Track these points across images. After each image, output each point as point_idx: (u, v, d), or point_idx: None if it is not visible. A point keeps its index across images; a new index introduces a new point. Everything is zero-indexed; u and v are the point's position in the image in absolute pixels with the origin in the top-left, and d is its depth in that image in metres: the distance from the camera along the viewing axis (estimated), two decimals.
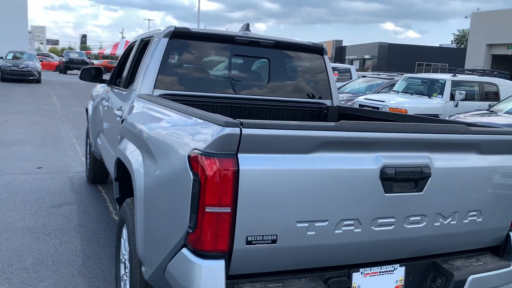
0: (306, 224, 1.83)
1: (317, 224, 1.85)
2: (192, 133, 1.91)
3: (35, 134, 9.02)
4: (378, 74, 16.89)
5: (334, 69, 15.76)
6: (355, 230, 1.93)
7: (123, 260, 2.76)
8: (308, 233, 1.84)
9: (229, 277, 1.81)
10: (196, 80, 3.43)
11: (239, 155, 1.70)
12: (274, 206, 1.76)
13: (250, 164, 1.71)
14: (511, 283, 2.43)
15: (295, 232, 1.82)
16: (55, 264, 3.54)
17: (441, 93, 10.03)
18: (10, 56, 23.07)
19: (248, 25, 3.67)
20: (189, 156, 1.77)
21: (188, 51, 3.42)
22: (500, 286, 2.40)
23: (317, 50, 3.75)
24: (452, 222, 2.16)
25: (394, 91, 11.22)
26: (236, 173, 1.68)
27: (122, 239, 2.80)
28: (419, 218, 2.06)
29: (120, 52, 51.54)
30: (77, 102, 15.26)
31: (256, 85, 3.64)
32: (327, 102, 3.83)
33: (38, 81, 22.69)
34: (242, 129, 1.67)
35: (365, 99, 10.54)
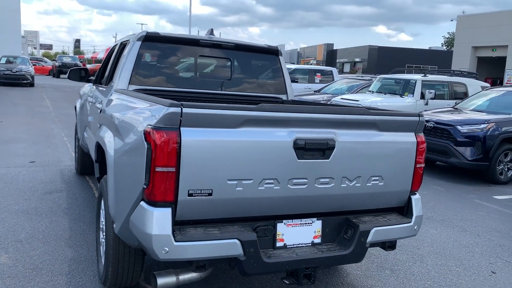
0: (235, 182, 2.41)
1: (243, 182, 2.43)
2: (147, 113, 2.48)
3: (28, 133, 9.54)
4: (362, 76, 17.55)
5: (317, 71, 16.39)
6: (275, 187, 2.51)
7: (101, 226, 3.31)
8: (237, 188, 2.42)
9: (176, 222, 2.39)
10: (166, 77, 4.01)
11: (181, 128, 2.28)
12: (209, 167, 2.34)
13: (190, 136, 2.29)
14: (410, 236, 3.01)
15: (226, 188, 2.40)
16: (45, 237, 4.09)
17: (412, 92, 10.66)
18: (3, 61, 23.55)
19: (212, 30, 4.26)
20: (144, 131, 2.35)
21: (159, 52, 4.01)
22: (401, 238, 2.99)
23: (272, 51, 4.35)
24: (357, 185, 2.74)
25: (370, 91, 11.85)
26: (179, 142, 2.26)
27: (100, 210, 3.36)
28: (327, 180, 2.64)
29: None
30: (69, 104, 15.75)
31: (219, 82, 4.23)
32: (283, 96, 4.42)
33: (31, 84, 23.16)
34: (183, 108, 2.25)
35: (341, 98, 11.16)
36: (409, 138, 2.89)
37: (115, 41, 5.53)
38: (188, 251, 2.33)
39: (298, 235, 2.72)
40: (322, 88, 14.48)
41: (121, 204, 2.67)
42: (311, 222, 2.75)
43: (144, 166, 2.31)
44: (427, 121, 8.42)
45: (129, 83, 3.80)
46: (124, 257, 2.90)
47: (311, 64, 62.32)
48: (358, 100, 10.38)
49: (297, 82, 15.29)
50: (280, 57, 4.39)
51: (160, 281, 2.53)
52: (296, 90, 14.93)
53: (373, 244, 2.86)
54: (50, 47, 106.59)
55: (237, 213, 2.52)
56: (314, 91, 14.52)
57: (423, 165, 2.99)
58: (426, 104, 10.46)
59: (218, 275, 3.55)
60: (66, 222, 4.50)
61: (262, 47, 4.34)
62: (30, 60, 30.04)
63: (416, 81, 10.73)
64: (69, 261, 3.65)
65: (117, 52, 4.36)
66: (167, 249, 2.29)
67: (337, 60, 58.21)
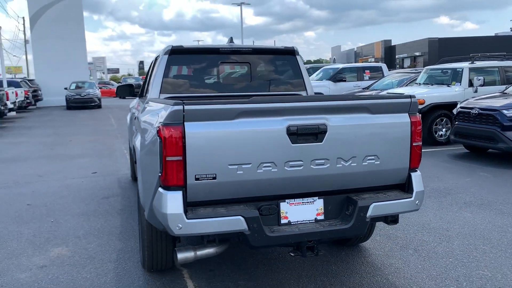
0: (236, 166, 2.77)
1: (243, 166, 2.78)
2: (160, 114, 2.92)
3: (93, 149, 10.50)
4: (416, 70, 17.23)
5: (365, 68, 16.34)
6: (272, 170, 2.83)
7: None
8: (238, 172, 2.77)
9: (189, 204, 2.79)
10: (193, 84, 4.47)
11: (185, 123, 2.68)
12: (211, 155, 2.72)
13: (193, 128, 2.68)
14: (413, 211, 3.20)
15: (228, 172, 2.76)
16: (100, 233, 4.67)
17: (460, 81, 10.44)
18: (73, 86, 25.64)
19: (231, 38, 4.67)
20: (157, 127, 2.78)
21: (185, 62, 4.48)
22: (403, 212, 3.19)
23: (288, 52, 4.67)
24: (353, 164, 3.00)
25: (417, 83, 11.72)
26: (184, 134, 2.66)
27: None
28: (323, 161, 2.92)
29: None
30: None
31: (242, 85, 4.62)
32: (303, 93, 4.72)
33: (99, 106, 24.98)
34: (185, 106, 2.65)
35: (387, 93, 11.14)
36: (403, 119, 3.10)
37: None
38: (198, 227, 2.71)
39: (301, 212, 3.02)
40: (372, 85, 14.44)
41: (147, 192, 3.12)
42: (313, 200, 3.04)
43: (158, 157, 2.74)
44: (471, 108, 8.30)
45: (160, 92, 4.29)
46: (156, 241, 3.35)
47: (370, 62, 61.35)
48: (403, 93, 10.35)
49: (344, 81, 15.35)
50: (297, 56, 4.70)
51: (180, 255, 2.94)
52: (345, 88, 15.04)
53: (375, 219, 3.09)
54: (117, 70, 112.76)
55: (241, 194, 2.87)
56: (363, 88, 14.51)
57: (420, 143, 3.17)
58: (476, 91, 10.19)
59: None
60: (118, 221, 5.07)
61: (278, 49, 4.68)
62: (98, 84, 32.29)
63: (463, 69, 10.50)
64: (118, 251, 4.17)
65: (151, 66, 4.89)
66: (180, 225, 2.69)
67: (396, 56, 56.77)
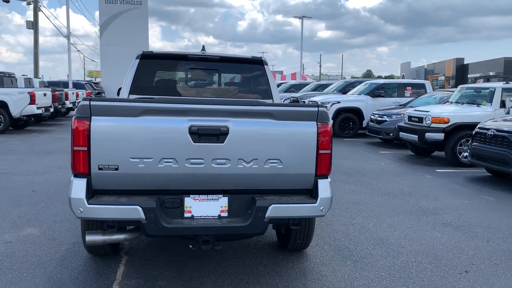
0: (137, 160, 3.03)
1: (144, 160, 3.04)
2: None
3: None
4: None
5: (407, 85, 15.97)
6: (173, 166, 3.06)
7: None
8: (139, 165, 3.04)
9: (97, 191, 3.09)
10: (161, 87, 4.81)
11: (92, 117, 2.99)
12: (114, 147, 3.01)
13: (98, 122, 2.99)
14: (318, 216, 3.27)
15: (130, 164, 3.03)
16: (75, 220, 5.10)
17: (491, 101, 9.99)
18: None
19: (203, 46, 4.97)
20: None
21: (155, 67, 4.83)
22: (306, 216, 3.27)
23: (256, 61, 4.88)
24: (254, 166, 3.15)
25: (449, 102, 11.33)
26: (89, 127, 2.98)
27: None
28: (224, 161, 3.11)
29: None
30: None
31: (208, 90, 4.89)
32: (269, 101, 4.89)
33: None
34: (91, 102, 2.97)
35: (414, 110, 10.90)
36: (309, 127, 3.21)
37: None
38: (98, 212, 3.00)
39: (205, 208, 3.21)
40: (410, 101, 14.10)
41: None
42: (217, 198, 3.23)
43: (70, 146, 3.08)
44: (487, 129, 7.95)
45: (129, 93, 4.67)
46: (86, 226, 3.62)
47: (439, 80, 58.98)
48: (428, 111, 10.08)
49: (383, 96, 15.09)
50: (265, 66, 4.89)
51: (88, 238, 3.24)
52: (383, 104, 14.78)
53: (275, 220, 3.22)
54: None
55: (145, 186, 3.13)
56: (400, 105, 14.20)
57: (328, 151, 3.26)
58: (508, 112, 9.69)
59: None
60: None
61: (246, 58, 4.90)
62: None
63: (495, 89, 10.02)
64: (80, 235, 4.57)
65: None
66: (82, 209, 3.00)
67: (469, 76, 54.32)
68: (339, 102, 15.12)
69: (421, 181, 7.97)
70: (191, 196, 3.20)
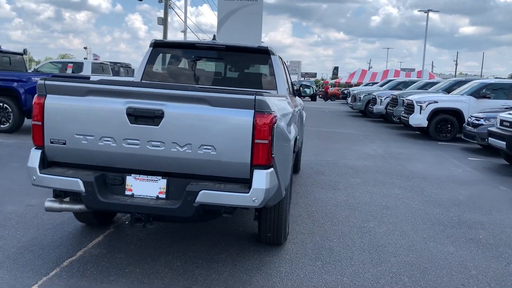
0: (81, 137, 3.27)
1: (87, 137, 3.26)
2: None
3: None
4: None
5: None
6: (112, 144, 3.24)
7: None
8: (82, 142, 3.27)
9: (53, 163, 3.41)
10: (169, 74, 5.02)
11: (47, 95, 3.31)
12: (63, 123, 3.29)
13: (51, 100, 3.29)
14: (251, 207, 3.18)
15: (75, 140, 3.28)
16: None
17: None
18: None
19: (214, 36, 5.06)
20: None
21: (165, 55, 5.06)
22: (237, 205, 3.19)
23: (262, 51, 4.81)
24: (188, 151, 3.17)
25: None
26: (43, 104, 3.29)
27: None
28: (158, 143, 3.19)
29: (354, 81, 54.44)
30: None
31: (214, 79, 4.97)
32: (273, 92, 4.80)
33: None
34: (46, 81, 3.28)
35: (509, 113, 9.65)
36: (246, 115, 3.12)
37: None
38: (46, 181, 3.32)
39: (145, 188, 3.34)
40: None
41: None
42: (156, 179, 3.33)
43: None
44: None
45: (141, 79, 4.98)
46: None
47: None
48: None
49: (489, 98, 13.53)
50: (271, 56, 4.80)
51: (47, 204, 3.57)
52: (488, 106, 13.29)
53: (208, 206, 3.20)
54: (314, 75, 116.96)
55: (91, 162, 3.36)
56: (505, 108, 12.62)
57: (264, 141, 3.14)
58: None
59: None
60: None
61: (252, 48, 4.86)
62: None
63: None
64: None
65: None
66: (34, 177, 3.34)
67: None
68: (436, 102, 13.96)
69: (488, 192, 7.07)
70: (132, 175, 3.35)
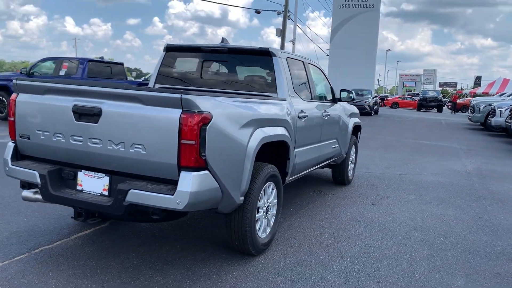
0: (40, 132, 3.49)
1: (45, 133, 3.47)
2: None
3: None
4: None
5: None
6: (62, 140, 3.39)
7: None
8: (41, 137, 3.49)
9: (27, 156, 3.70)
10: (179, 78, 5.09)
11: (19, 94, 3.61)
12: (27, 120, 3.54)
13: (21, 98, 3.58)
14: (176, 209, 3.03)
15: (36, 135, 3.51)
16: None
17: None
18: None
19: (223, 39, 4.98)
20: None
21: (175, 59, 5.13)
22: (163, 207, 3.07)
23: (263, 52, 4.60)
24: (121, 149, 3.18)
25: None
26: (15, 101, 3.60)
27: None
28: (97, 140, 3.25)
29: (493, 91, 49.05)
30: (374, 134, 17.21)
31: (218, 82, 4.90)
32: (274, 95, 4.56)
33: (368, 113, 25.91)
34: (17, 81, 3.58)
35: None
36: (173, 114, 3.02)
37: None
38: (15, 172, 3.60)
39: (92, 184, 3.42)
40: None
41: None
42: (101, 176, 3.39)
43: None
44: None
45: (155, 83, 5.15)
46: None
47: None
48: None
49: None
50: (273, 58, 4.57)
51: (23, 193, 3.84)
52: None
53: (136, 206, 3.16)
54: (454, 84, 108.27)
55: (51, 156, 3.55)
56: None
57: (191, 142, 2.99)
58: None
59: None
60: None
61: (253, 49, 4.68)
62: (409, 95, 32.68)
63: None
64: None
65: None
66: (7, 168, 3.66)
67: None
68: None
69: None
70: (82, 171, 3.46)
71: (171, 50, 5.12)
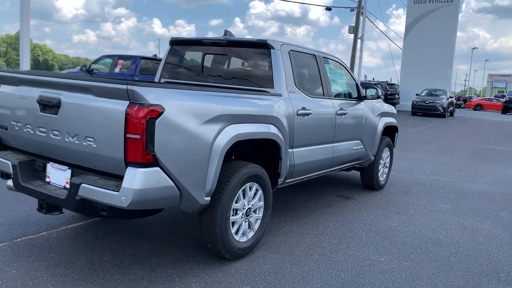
0: (14, 123, 3.51)
1: (18, 123, 3.49)
2: None
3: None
4: None
5: None
6: (30, 131, 3.38)
7: None
8: (15, 127, 3.51)
9: (7, 147, 3.77)
10: (181, 72, 4.95)
11: (1, 85, 3.67)
12: (5, 110, 3.59)
13: (2, 89, 3.64)
14: (120, 207, 2.87)
15: (12, 126, 3.54)
16: None
17: None
18: (424, 93, 25.86)
19: (225, 31, 4.75)
20: None
21: (180, 53, 4.99)
22: (109, 204, 2.93)
23: (261, 45, 4.29)
24: (76, 142, 3.08)
25: None
26: None
27: None
28: (57, 132, 3.19)
29: None
30: (437, 137, 16.10)
31: (218, 75, 4.68)
32: (270, 90, 4.26)
33: (442, 115, 24.26)
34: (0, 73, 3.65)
35: None
36: (120, 106, 2.87)
37: None
38: None
39: (58, 177, 3.37)
40: None
41: None
42: (64, 169, 3.33)
43: None
44: None
45: (160, 77, 5.07)
46: None
47: None
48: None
49: None
50: (271, 50, 4.26)
51: (8, 183, 3.91)
52: None
53: (89, 202, 3.05)
54: None
55: (26, 147, 3.57)
56: None
57: (137, 136, 2.82)
58: None
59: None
60: None
61: (250, 42, 4.40)
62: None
63: None
64: None
65: None
66: None
67: None
68: None
69: None
70: (50, 163, 3.44)
71: (176, 43, 5.01)
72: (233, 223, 3.64)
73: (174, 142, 3.02)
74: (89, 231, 4.21)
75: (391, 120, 6.64)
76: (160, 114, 2.89)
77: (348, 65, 5.98)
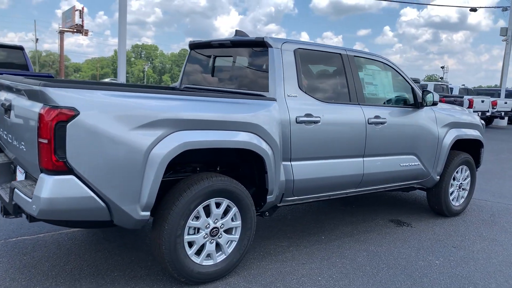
0: None
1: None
2: None
3: None
4: None
5: None
6: (3, 135, 3.45)
7: None
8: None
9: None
10: (196, 76, 4.67)
11: None
12: None
13: None
14: (32, 215, 2.69)
15: None
16: None
17: None
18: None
19: (236, 31, 4.32)
20: None
21: (198, 56, 4.69)
22: (26, 211, 2.77)
23: (258, 43, 3.76)
24: (16, 145, 3.03)
25: None
26: None
27: None
28: (11, 136, 3.18)
29: None
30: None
31: (222, 79, 4.31)
32: (265, 94, 3.71)
33: None
34: None
35: None
36: (36, 108, 2.71)
37: None
38: None
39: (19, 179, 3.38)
40: None
41: None
42: (22, 172, 3.31)
43: None
44: None
45: (181, 83, 4.89)
46: None
47: None
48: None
49: None
50: (269, 49, 3.73)
51: None
52: None
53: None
54: None
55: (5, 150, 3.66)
56: None
57: (44, 141, 2.62)
58: None
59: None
60: None
61: (248, 41, 3.92)
62: None
63: None
64: None
65: None
66: None
67: None
68: None
69: None
70: (18, 166, 3.45)
71: (194, 47, 4.78)
72: (191, 243, 3.23)
73: (94, 149, 2.75)
74: (77, 239, 4.17)
75: (467, 133, 5.42)
76: (73, 117, 2.66)
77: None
